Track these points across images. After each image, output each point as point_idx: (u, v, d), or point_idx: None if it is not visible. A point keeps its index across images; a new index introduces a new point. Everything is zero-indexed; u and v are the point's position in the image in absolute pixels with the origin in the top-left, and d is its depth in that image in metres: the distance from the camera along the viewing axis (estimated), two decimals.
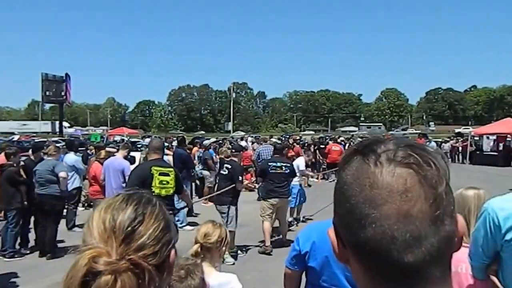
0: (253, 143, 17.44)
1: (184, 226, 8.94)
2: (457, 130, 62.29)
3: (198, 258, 2.68)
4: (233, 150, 8.11)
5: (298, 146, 17.15)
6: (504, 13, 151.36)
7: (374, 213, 0.60)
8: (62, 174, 7.07)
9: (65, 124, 45.79)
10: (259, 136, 27.92)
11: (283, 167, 7.55)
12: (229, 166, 7.32)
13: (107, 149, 9.06)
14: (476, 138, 28.28)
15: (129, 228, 0.89)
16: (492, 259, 2.01)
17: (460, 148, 28.66)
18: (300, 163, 9.76)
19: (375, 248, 0.60)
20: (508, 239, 1.86)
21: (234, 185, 7.06)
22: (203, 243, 2.69)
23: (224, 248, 2.73)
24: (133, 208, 0.93)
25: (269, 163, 7.76)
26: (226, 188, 7.06)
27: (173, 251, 0.96)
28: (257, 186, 10.14)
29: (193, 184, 12.33)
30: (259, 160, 14.31)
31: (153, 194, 4.29)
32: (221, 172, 7.57)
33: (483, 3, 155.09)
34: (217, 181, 9.39)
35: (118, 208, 0.92)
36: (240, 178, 7.17)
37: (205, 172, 12.33)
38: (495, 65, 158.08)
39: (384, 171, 0.61)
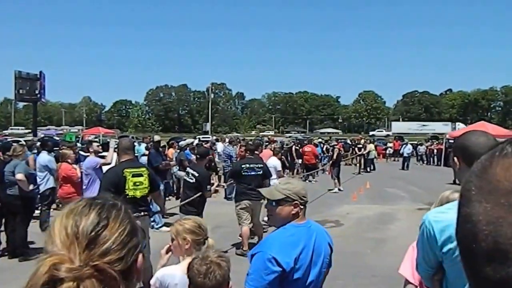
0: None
1: (161, 227, 8.82)
2: (371, 133, 66.89)
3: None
4: (198, 156, 7.40)
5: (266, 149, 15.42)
6: (478, 19, 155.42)
7: None
8: (18, 176, 6.82)
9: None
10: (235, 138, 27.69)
11: (256, 169, 7.34)
12: (196, 174, 6.66)
13: (64, 150, 8.60)
14: (451, 141, 28.89)
15: (92, 233, 0.86)
16: (436, 269, 2.01)
17: (435, 151, 29.27)
18: (276, 163, 9.40)
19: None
20: (445, 251, 1.86)
21: (200, 193, 6.55)
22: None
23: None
24: (97, 212, 0.90)
25: (242, 165, 7.56)
26: (193, 197, 6.52)
27: (140, 256, 0.93)
28: (225, 185, 9.64)
29: (170, 184, 12.29)
30: (225, 161, 14.38)
31: (127, 196, 4.21)
32: (187, 179, 6.82)
33: (458, 4, 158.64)
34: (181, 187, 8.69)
35: (81, 213, 0.89)
36: (208, 186, 6.69)
37: (181, 173, 12.16)
38: (469, 69, 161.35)
39: None
